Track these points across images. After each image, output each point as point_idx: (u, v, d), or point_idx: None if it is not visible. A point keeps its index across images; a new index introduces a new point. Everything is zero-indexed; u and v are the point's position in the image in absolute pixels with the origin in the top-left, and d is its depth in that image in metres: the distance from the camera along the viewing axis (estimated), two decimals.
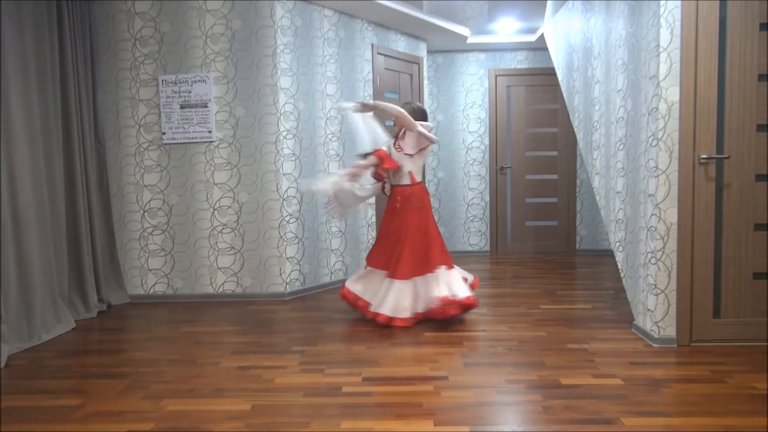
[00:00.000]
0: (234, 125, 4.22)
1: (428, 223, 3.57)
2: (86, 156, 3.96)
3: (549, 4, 4.90)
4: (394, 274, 3.45)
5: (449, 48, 6.14)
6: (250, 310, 3.97)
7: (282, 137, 4.23)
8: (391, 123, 5.22)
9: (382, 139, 3.55)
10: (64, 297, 3.67)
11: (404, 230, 3.50)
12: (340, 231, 4.76)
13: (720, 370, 2.62)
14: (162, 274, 4.32)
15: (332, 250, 4.70)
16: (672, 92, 2.87)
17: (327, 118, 4.63)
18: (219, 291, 4.30)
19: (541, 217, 6.31)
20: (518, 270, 5.35)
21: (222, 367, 2.80)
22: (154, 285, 4.33)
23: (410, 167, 3.55)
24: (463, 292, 3.39)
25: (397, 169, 3.55)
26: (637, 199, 3.18)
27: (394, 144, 3.62)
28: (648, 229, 3.03)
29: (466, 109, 6.28)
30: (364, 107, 3.54)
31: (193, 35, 4.18)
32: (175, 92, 4.20)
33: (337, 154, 4.72)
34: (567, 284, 4.67)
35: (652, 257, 2.99)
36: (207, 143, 4.24)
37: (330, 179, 3.53)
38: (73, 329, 3.57)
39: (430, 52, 6.12)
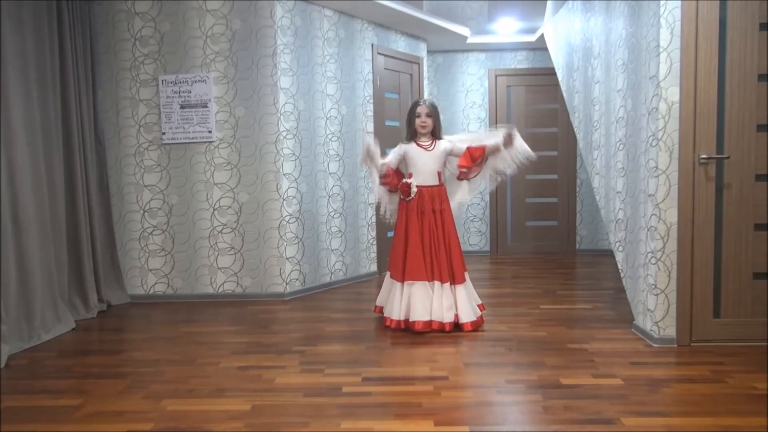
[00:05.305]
0: (234, 125, 4.23)
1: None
2: (86, 156, 3.96)
3: (549, 4, 4.90)
4: (456, 279, 3.38)
5: (449, 48, 6.14)
6: (250, 310, 3.97)
7: (282, 137, 4.23)
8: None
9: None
10: (64, 297, 3.67)
11: (448, 230, 3.41)
12: (340, 231, 4.77)
13: (720, 370, 2.61)
14: (162, 274, 4.32)
15: (332, 250, 4.70)
16: (672, 92, 2.87)
17: (327, 118, 4.63)
18: (219, 291, 4.30)
19: (541, 217, 6.31)
20: (518, 270, 5.36)
21: (222, 367, 2.80)
22: (154, 285, 4.33)
23: (438, 166, 3.44)
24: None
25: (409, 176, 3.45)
26: (637, 199, 3.18)
27: (415, 142, 3.44)
28: (648, 229, 3.03)
29: (466, 109, 6.28)
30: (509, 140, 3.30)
31: (193, 35, 4.18)
32: (175, 92, 4.20)
33: (337, 154, 4.73)
34: (567, 284, 4.67)
35: (652, 257, 2.99)
36: (207, 143, 4.24)
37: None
38: (73, 329, 3.57)
39: (430, 52, 6.12)
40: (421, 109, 3.42)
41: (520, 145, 3.31)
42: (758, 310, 2.93)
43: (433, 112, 3.43)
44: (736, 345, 2.93)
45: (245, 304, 4.14)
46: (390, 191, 3.55)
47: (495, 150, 3.36)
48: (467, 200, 3.64)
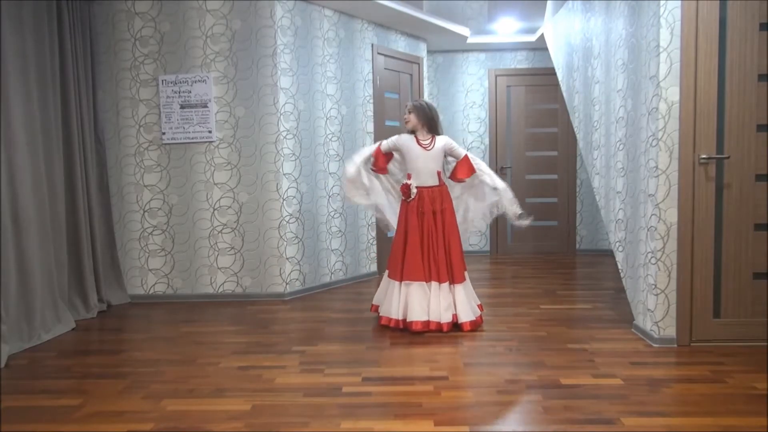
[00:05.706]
0: (234, 125, 4.23)
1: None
2: (86, 156, 3.96)
3: (549, 4, 4.90)
4: (455, 278, 3.37)
5: (449, 48, 6.14)
6: (250, 310, 3.97)
7: (282, 137, 4.23)
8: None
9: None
10: (64, 297, 3.67)
11: (449, 230, 3.42)
12: (340, 231, 4.77)
13: (720, 370, 2.62)
14: (162, 274, 4.32)
15: (332, 250, 4.70)
16: (672, 92, 2.87)
17: (327, 118, 4.63)
18: (219, 291, 4.30)
19: (541, 217, 6.30)
20: (518, 270, 5.36)
21: (222, 367, 2.81)
22: (154, 285, 4.33)
23: (437, 166, 3.45)
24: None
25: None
26: (637, 199, 3.18)
27: (416, 137, 3.46)
28: (648, 229, 3.03)
29: (466, 109, 6.28)
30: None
31: (193, 35, 4.18)
32: (175, 92, 4.20)
33: (337, 154, 4.73)
34: (567, 284, 4.67)
35: (652, 257, 2.99)
36: (207, 143, 4.24)
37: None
38: (73, 329, 3.57)
39: (430, 52, 6.12)
40: (406, 108, 3.54)
41: (510, 204, 3.43)
42: (758, 310, 2.93)
43: (414, 109, 3.47)
44: (736, 345, 2.93)
45: (245, 304, 4.14)
46: (373, 170, 3.56)
47: (486, 183, 3.48)
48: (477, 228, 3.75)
